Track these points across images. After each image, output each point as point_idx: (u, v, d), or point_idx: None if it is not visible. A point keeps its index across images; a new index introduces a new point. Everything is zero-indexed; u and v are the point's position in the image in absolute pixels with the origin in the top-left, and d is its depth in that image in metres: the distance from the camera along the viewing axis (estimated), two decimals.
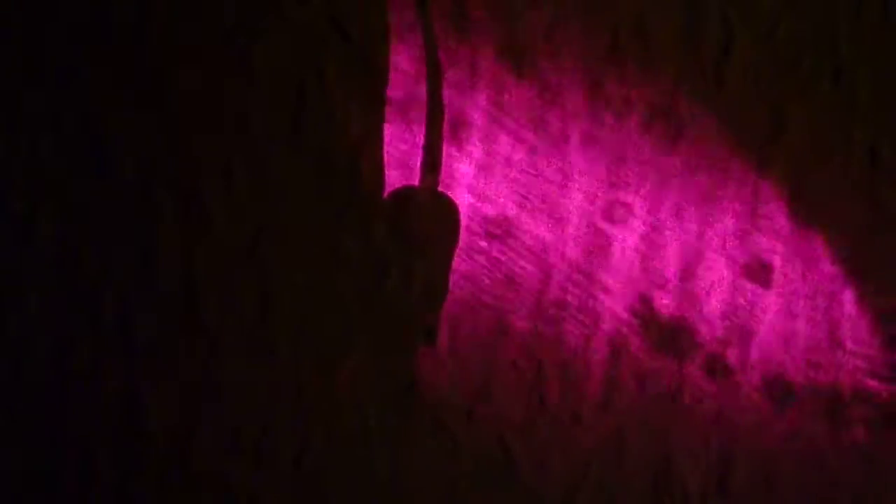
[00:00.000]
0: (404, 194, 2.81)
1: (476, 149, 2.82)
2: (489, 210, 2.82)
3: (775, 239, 2.80)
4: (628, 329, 2.80)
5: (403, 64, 2.83)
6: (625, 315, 2.80)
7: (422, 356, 2.80)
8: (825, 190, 2.81)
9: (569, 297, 2.80)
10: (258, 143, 2.82)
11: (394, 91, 2.82)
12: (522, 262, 2.80)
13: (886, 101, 2.82)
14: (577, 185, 2.80)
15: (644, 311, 2.80)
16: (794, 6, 2.82)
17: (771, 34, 2.82)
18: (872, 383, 2.77)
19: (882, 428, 2.79)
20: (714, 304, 2.79)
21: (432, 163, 2.80)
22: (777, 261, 2.81)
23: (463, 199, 2.81)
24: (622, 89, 2.81)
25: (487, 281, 2.80)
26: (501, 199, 2.82)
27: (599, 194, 2.80)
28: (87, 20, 2.83)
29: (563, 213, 2.81)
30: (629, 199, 2.81)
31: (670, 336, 2.80)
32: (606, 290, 2.80)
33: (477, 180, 2.82)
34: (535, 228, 2.81)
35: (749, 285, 2.80)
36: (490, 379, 2.81)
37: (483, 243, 2.81)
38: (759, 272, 2.81)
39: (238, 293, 2.81)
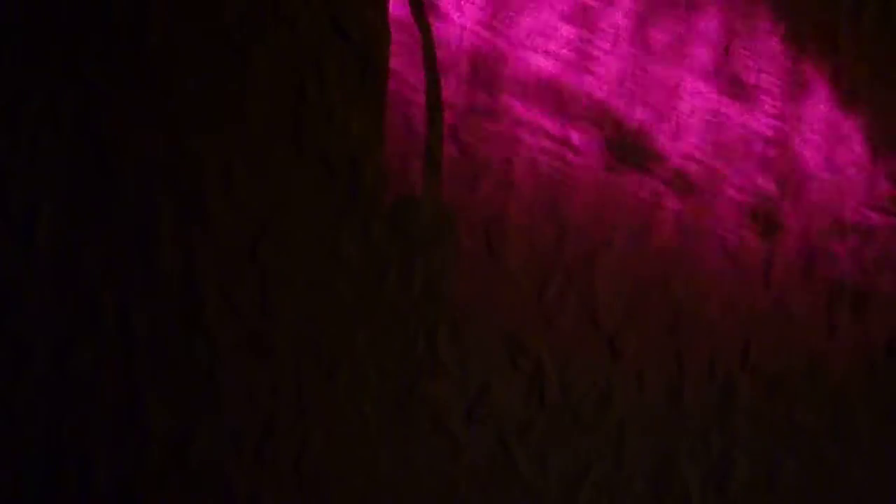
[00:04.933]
0: (406, 198, 2.81)
1: None
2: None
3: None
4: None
5: (402, 64, 2.83)
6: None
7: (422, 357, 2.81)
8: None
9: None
10: (258, 143, 2.82)
11: (394, 91, 2.83)
12: None
13: (886, 100, 2.82)
14: None
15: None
16: (794, 6, 2.82)
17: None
18: (873, 215, 2.75)
19: (883, 424, 2.79)
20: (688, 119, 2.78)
21: (434, 165, 2.80)
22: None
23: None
24: None
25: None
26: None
27: None
28: (87, 20, 2.83)
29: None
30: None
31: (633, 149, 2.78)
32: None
33: None
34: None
35: (730, 103, 2.79)
36: (490, 379, 2.81)
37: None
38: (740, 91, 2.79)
39: (238, 293, 2.81)
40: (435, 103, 2.81)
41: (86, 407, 2.80)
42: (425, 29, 2.82)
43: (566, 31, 2.79)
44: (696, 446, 2.80)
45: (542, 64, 2.78)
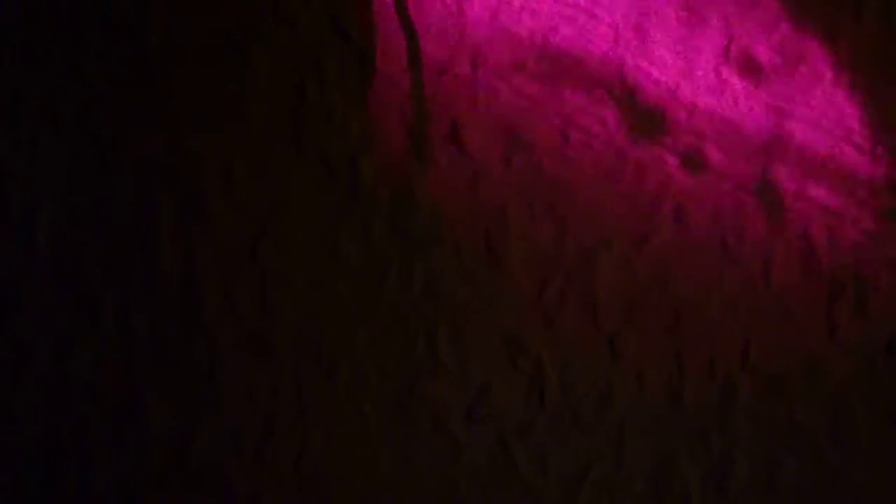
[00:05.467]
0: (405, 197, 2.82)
1: None
2: None
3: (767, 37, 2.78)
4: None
5: (393, 59, 2.83)
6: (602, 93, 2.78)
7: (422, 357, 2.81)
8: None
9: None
10: (258, 143, 2.82)
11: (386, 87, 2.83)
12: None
13: (887, 101, 2.82)
14: None
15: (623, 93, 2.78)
16: (795, 5, 2.82)
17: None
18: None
19: (883, 425, 2.80)
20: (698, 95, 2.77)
21: (421, 155, 2.81)
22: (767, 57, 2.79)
23: None
24: None
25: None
26: None
27: None
28: (87, 20, 2.83)
29: None
30: None
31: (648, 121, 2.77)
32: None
33: None
34: None
35: (738, 80, 2.78)
36: (490, 379, 2.81)
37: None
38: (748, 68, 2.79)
39: (238, 293, 2.81)
40: (419, 96, 2.81)
41: (86, 407, 2.80)
42: (408, 24, 2.82)
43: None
44: (696, 446, 2.80)
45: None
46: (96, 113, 2.82)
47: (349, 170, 2.82)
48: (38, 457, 2.81)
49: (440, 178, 2.82)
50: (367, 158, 2.82)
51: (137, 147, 2.82)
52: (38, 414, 2.80)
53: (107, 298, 2.81)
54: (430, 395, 2.80)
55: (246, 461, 2.80)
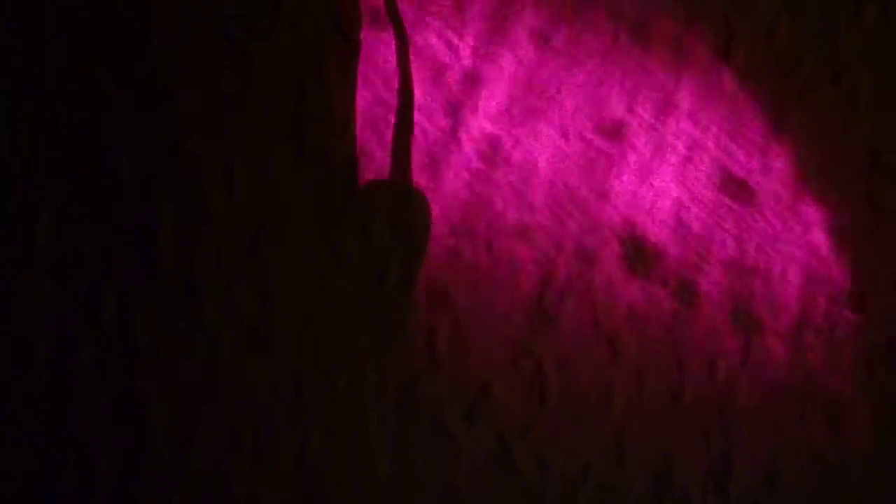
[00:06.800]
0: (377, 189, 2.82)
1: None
2: (480, 126, 2.81)
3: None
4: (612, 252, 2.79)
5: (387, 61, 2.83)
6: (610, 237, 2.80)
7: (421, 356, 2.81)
8: (825, 190, 2.82)
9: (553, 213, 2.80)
10: (258, 143, 2.82)
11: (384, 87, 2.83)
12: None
13: (886, 101, 2.82)
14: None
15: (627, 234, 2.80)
16: (794, 6, 2.82)
17: (771, 34, 2.82)
18: (836, 309, 2.77)
19: (884, 429, 2.80)
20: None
21: (403, 156, 2.80)
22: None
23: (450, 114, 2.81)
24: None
25: (475, 200, 2.79)
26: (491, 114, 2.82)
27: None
28: (87, 20, 2.83)
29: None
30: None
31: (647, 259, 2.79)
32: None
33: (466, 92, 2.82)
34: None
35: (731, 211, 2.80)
36: (490, 379, 2.81)
37: (474, 162, 2.80)
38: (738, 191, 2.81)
39: (238, 293, 2.81)
40: (406, 100, 2.81)
41: (86, 407, 2.80)
42: (398, 25, 2.82)
43: None
44: (696, 446, 2.80)
45: None
46: (96, 113, 2.82)
47: (349, 170, 2.82)
48: (38, 457, 2.81)
49: (440, 178, 2.82)
50: (367, 158, 2.82)
51: (137, 147, 2.82)
52: (38, 414, 2.80)
53: (107, 298, 2.81)
54: (430, 395, 2.80)
55: (246, 461, 2.80)
